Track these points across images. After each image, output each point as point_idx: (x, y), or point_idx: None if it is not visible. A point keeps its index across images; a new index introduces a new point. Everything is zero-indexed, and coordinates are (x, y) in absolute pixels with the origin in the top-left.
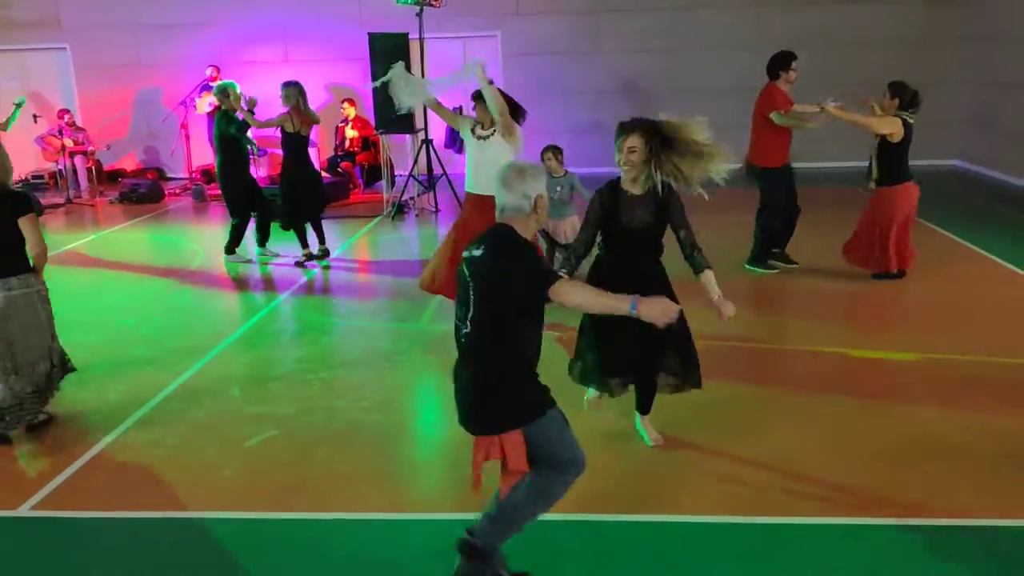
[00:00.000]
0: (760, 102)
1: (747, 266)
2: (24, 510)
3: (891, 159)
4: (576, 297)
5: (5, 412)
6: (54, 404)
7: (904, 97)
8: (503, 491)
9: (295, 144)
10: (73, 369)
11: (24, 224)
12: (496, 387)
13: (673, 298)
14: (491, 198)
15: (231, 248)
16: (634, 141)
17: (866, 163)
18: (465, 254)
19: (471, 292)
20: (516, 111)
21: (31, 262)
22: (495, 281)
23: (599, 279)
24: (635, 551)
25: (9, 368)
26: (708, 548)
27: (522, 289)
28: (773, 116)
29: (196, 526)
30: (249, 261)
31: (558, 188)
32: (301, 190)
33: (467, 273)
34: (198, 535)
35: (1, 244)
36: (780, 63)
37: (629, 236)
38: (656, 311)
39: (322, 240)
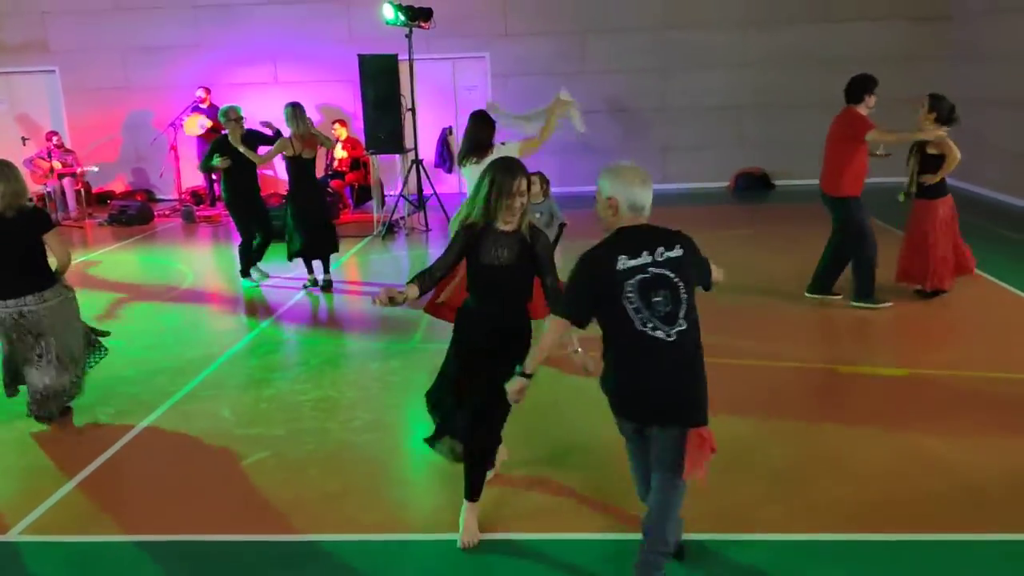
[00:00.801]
0: (838, 127)
1: (854, 303)
2: (13, 534)
3: (935, 172)
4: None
5: (64, 395)
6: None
7: (942, 111)
8: (702, 475)
9: (296, 168)
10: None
11: (51, 239)
12: (704, 377)
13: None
14: None
15: (245, 270)
16: (527, 180)
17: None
18: (640, 261)
19: (680, 291)
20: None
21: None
22: (698, 275)
23: (460, 329)
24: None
25: (69, 361)
26: (704, 565)
27: (705, 279)
28: (872, 135)
29: (186, 549)
30: (267, 275)
31: (538, 214)
32: (308, 223)
33: (670, 275)
34: (188, 558)
35: (32, 260)
36: (864, 86)
37: (491, 276)
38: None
39: (326, 270)
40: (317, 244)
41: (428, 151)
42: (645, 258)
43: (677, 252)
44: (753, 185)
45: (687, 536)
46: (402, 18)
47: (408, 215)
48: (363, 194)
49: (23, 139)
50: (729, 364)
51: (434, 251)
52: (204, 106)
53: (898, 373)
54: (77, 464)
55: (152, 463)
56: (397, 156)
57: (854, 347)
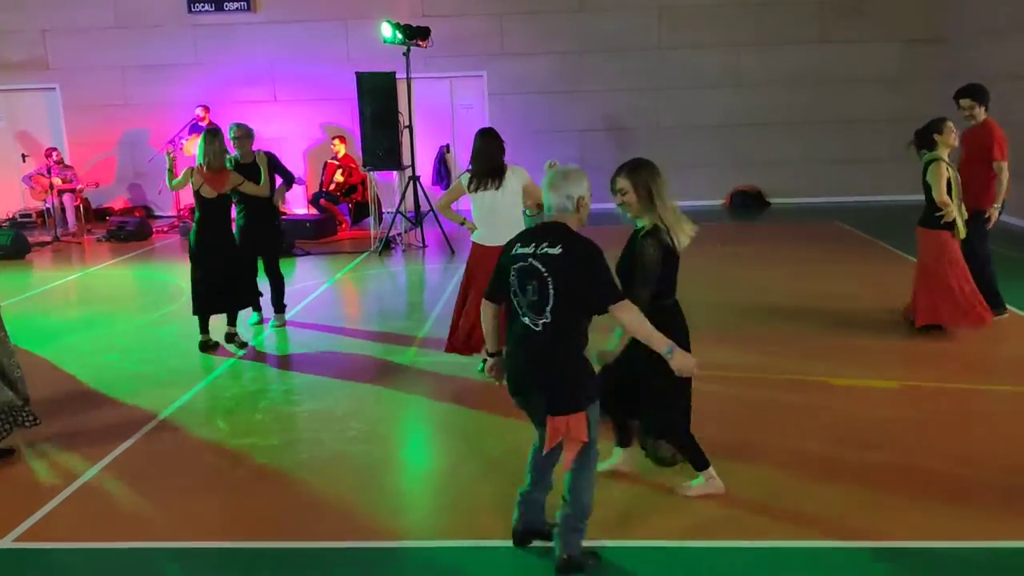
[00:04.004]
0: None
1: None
2: (7, 542)
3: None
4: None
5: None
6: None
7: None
8: (568, 462)
9: (198, 205)
10: (30, 423)
11: None
12: (568, 371)
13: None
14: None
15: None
16: (623, 182)
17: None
18: (525, 251)
19: (548, 286)
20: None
21: None
22: (582, 285)
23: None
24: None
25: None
26: (694, 571)
27: (595, 299)
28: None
29: (180, 557)
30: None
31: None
32: (208, 273)
33: (540, 268)
34: (182, 566)
35: None
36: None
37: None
38: (686, 364)
39: (231, 321)
40: (216, 298)
41: (425, 168)
42: (530, 249)
43: (556, 250)
44: (748, 203)
45: (686, 543)
46: (400, 37)
47: (405, 231)
48: (360, 211)
49: (23, 156)
50: (720, 376)
51: (431, 266)
52: (203, 124)
53: (888, 385)
54: (73, 473)
55: (147, 472)
56: (394, 173)
57: (846, 360)
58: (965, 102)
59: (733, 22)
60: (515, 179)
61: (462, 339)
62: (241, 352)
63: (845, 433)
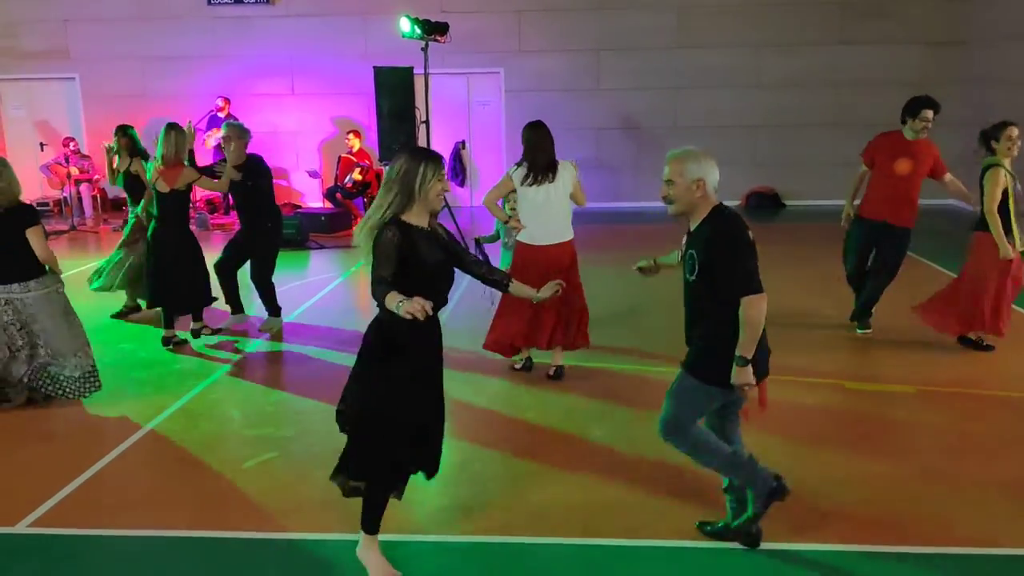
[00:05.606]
0: (933, 154)
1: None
2: (21, 527)
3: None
4: None
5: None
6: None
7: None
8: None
9: (157, 202)
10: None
11: (31, 234)
12: None
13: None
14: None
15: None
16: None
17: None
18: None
19: None
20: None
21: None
22: None
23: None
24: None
25: (48, 355)
26: (707, 574)
27: None
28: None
29: (193, 546)
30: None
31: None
32: (170, 268)
33: None
34: (195, 555)
35: (17, 253)
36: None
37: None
38: None
39: (196, 317)
40: (165, 294)
41: None
42: None
43: None
44: (764, 204)
45: (692, 544)
46: (418, 31)
47: None
48: None
49: (41, 145)
50: None
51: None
52: (222, 116)
53: (906, 390)
54: (88, 460)
55: (161, 461)
56: None
57: (862, 364)
58: (929, 114)
59: (751, 22)
60: (567, 174)
61: (508, 341)
62: (214, 340)
63: (857, 437)
